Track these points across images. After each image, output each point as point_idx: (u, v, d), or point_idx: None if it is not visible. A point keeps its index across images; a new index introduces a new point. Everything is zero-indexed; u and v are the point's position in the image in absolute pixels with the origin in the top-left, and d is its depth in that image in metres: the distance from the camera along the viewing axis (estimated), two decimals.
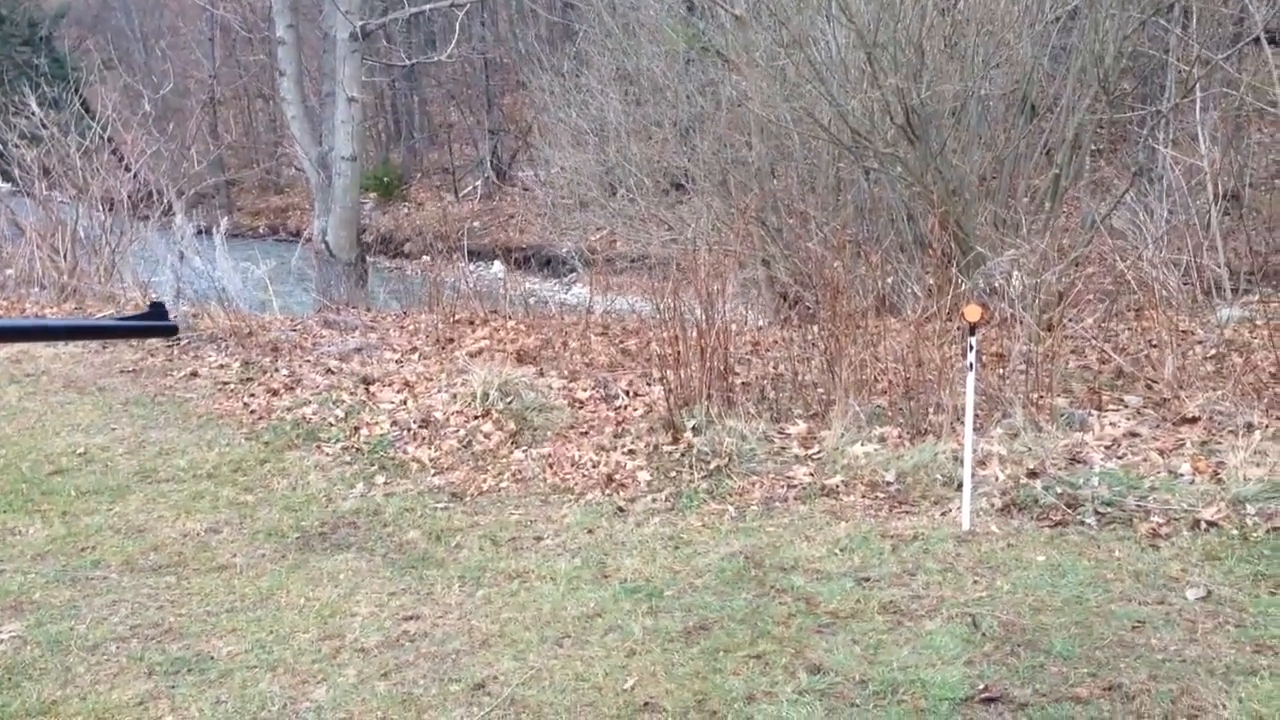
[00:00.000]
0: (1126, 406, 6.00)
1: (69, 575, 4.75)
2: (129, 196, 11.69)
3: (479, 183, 27.96)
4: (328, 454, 6.29)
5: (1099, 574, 4.29)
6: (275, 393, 7.34)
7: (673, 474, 5.65)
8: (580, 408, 6.70)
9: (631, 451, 5.93)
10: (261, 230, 28.24)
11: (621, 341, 8.55)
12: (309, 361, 8.03)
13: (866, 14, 8.61)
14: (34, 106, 12.12)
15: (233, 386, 7.64)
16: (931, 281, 6.73)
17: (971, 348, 4.82)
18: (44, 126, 12.03)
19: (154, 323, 1.63)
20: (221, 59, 31.33)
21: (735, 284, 8.73)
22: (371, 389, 7.20)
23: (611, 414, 6.54)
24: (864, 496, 5.26)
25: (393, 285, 16.21)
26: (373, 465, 6.09)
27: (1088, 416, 5.79)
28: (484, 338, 8.69)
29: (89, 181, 11.55)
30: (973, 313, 4.75)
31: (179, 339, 8.81)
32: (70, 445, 6.52)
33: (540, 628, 4.13)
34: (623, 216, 13.54)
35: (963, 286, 6.85)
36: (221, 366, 8.11)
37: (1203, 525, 4.61)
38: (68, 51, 29.51)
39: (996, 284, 7.08)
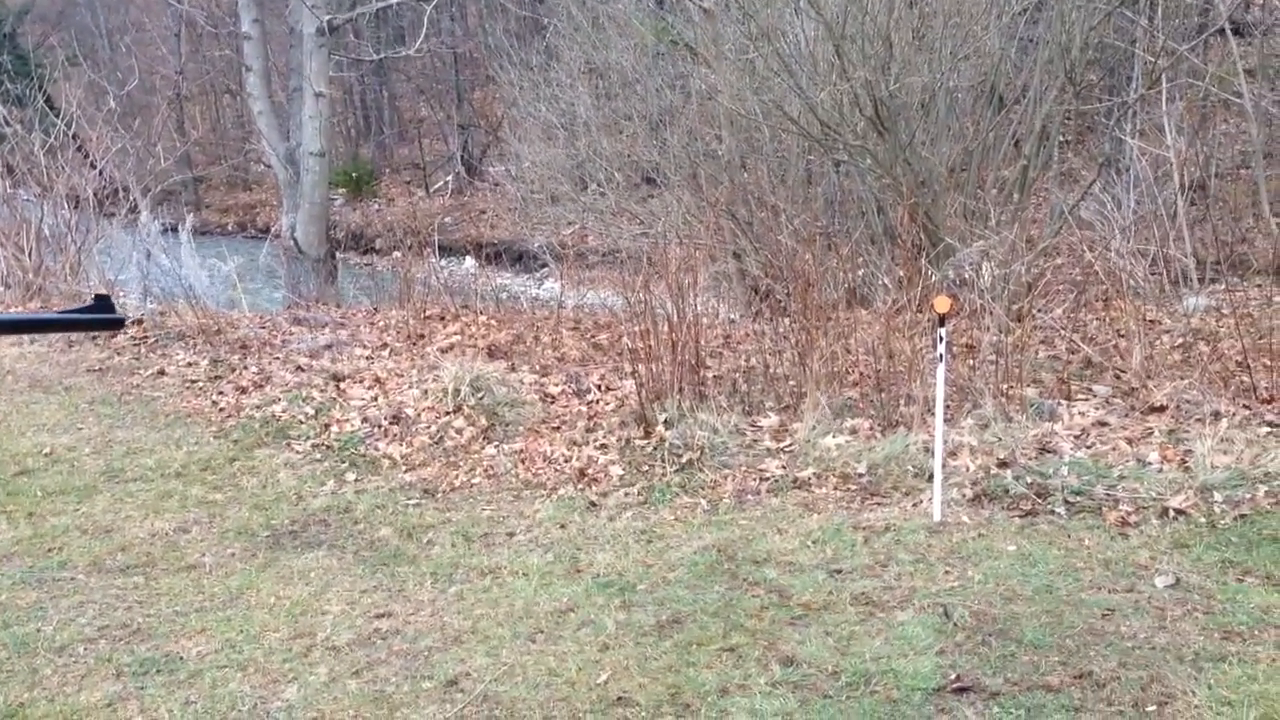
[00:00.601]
0: (1095, 396, 6.04)
1: (35, 576, 4.70)
2: (95, 194, 11.56)
3: (450, 178, 27.83)
4: (298, 451, 6.25)
5: (1069, 563, 4.31)
6: (244, 390, 7.28)
7: (645, 468, 5.64)
8: (552, 403, 6.68)
9: (603, 446, 5.92)
10: (230, 227, 27.99)
11: (593, 336, 8.54)
12: (278, 359, 7.98)
13: (834, 7, 8.62)
14: None
15: (201, 384, 7.57)
16: (901, 273, 6.75)
17: (941, 339, 4.84)
18: (7, 124, 11.90)
19: (99, 315, 1.57)
20: (187, 55, 31.02)
21: (706, 277, 8.73)
22: (342, 386, 7.16)
23: (583, 409, 6.53)
24: (836, 489, 5.27)
25: (363, 281, 16.15)
26: (343, 462, 6.06)
27: (1057, 406, 5.82)
28: (455, 333, 8.65)
29: (54, 179, 11.42)
30: (942, 304, 4.77)
31: (146, 337, 8.73)
32: (36, 445, 6.45)
33: (513, 623, 4.12)
34: (594, 211, 13.51)
35: (932, 278, 6.88)
36: (189, 364, 8.04)
37: (1171, 513, 4.64)
38: (31, 48, 29.15)
39: (966, 275, 7.11)
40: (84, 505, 5.56)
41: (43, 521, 5.34)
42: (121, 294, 10.24)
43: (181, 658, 3.97)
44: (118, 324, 1.59)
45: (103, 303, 1.56)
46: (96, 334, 8.39)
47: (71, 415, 7.02)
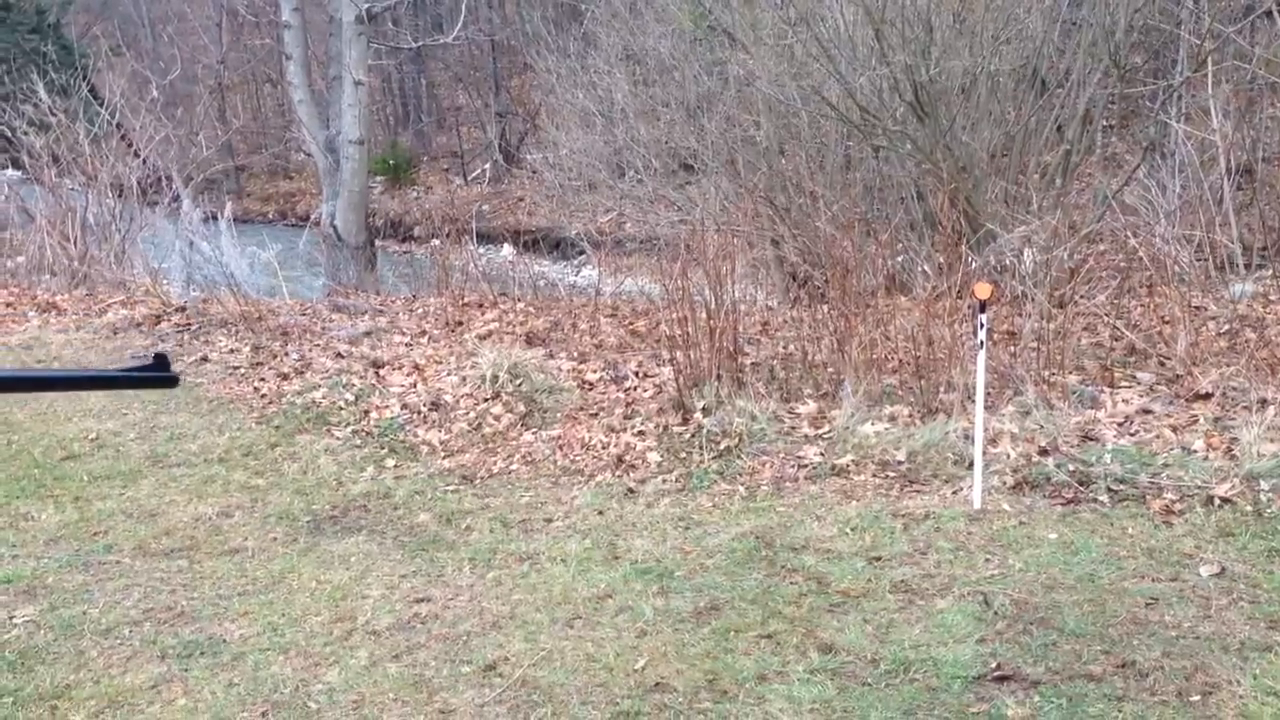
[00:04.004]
0: (1139, 383, 5.97)
1: (81, 560, 4.76)
2: (138, 183, 11.70)
3: (487, 166, 27.92)
4: (338, 438, 6.29)
5: (1112, 551, 4.27)
6: (285, 377, 7.34)
7: (683, 455, 5.64)
8: (590, 389, 6.69)
9: (641, 433, 5.92)
10: (271, 215, 28.25)
11: (631, 323, 8.53)
12: (319, 345, 8.04)
13: None
14: (42, 94, 12.13)
15: (243, 371, 7.65)
16: (941, 259, 6.69)
17: (982, 325, 4.79)
18: (52, 113, 12.03)
19: (156, 374, 1.68)
20: (229, 44, 31.31)
21: (744, 264, 8.71)
22: (381, 372, 7.21)
23: (621, 395, 6.53)
24: (875, 476, 5.24)
25: (402, 269, 16.23)
26: (383, 448, 6.10)
27: (1100, 394, 5.76)
28: (493, 320, 8.68)
29: (98, 168, 11.57)
30: (983, 290, 4.72)
31: (189, 324, 8.83)
32: (82, 431, 6.54)
33: (551, 609, 4.13)
34: (631, 198, 13.52)
35: (973, 264, 6.82)
36: (232, 351, 8.12)
37: (1216, 502, 4.58)
38: (75, 38, 29.49)
39: (1007, 261, 7.04)
40: (129, 490, 5.63)
41: (89, 506, 5.41)
42: (165, 281, 10.36)
43: (225, 640, 4.01)
44: (173, 382, 1.72)
45: (161, 361, 1.69)
46: (140, 332, 8.49)
47: (116, 401, 7.11)
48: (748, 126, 11.52)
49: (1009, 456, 5.13)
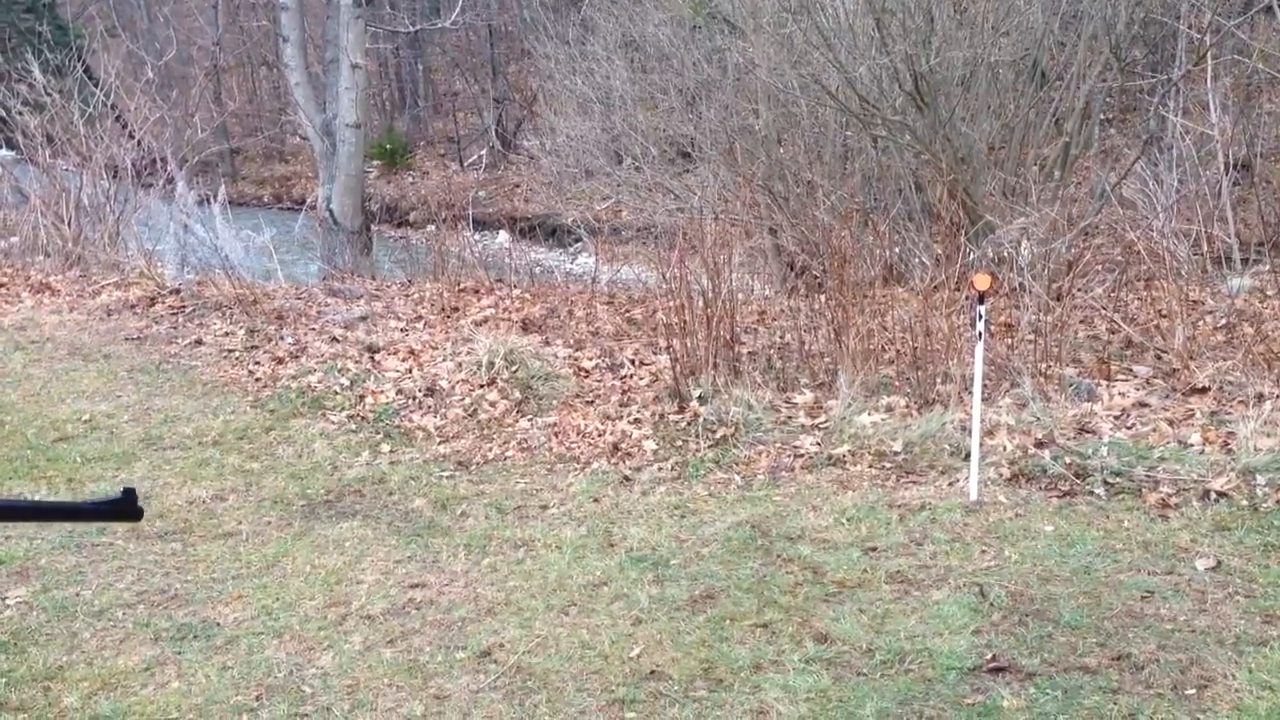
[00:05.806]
0: (1136, 376, 5.97)
1: (75, 541, 4.74)
2: (133, 164, 11.63)
3: (484, 152, 27.81)
4: (333, 422, 6.27)
5: (1108, 544, 4.27)
6: (280, 361, 7.32)
7: (679, 443, 5.63)
8: (586, 377, 6.68)
9: (637, 420, 5.91)
10: (266, 199, 28.09)
11: (627, 311, 8.52)
12: (314, 330, 8.01)
13: None
14: (37, 73, 12.04)
15: (238, 354, 7.62)
16: (940, 250, 6.69)
17: (980, 317, 4.79)
18: (47, 93, 11.95)
19: (121, 508, 1.72)
20: (225, 25, 31.10)
21: (741, 253, 8.68)
22: (376, 357, 7.19)
23: (617, 383, 6.52)
24: (871, 466, 5.24)
25: (398, 254, 16.17)
26: (378, 433, 6.08)
27: (1096, 386, 5.76)
28: (489, 307, 8.66)
29: (93, 149, 11.49)
30: (981, 281, 4.71)
31: (184, 306, 8.80)
32: (75, 412, 6.51)
33: (546, 596, 4.12)
34: (628, 186, 13.48)
35: (971, 255, 6.81)
36: (226, 334, 8.09)
37: (1212, 496, 4.58)
38: (71, 18, 29.31)
39: (1005, 253, 7.04)
40: (122, 472, 5.61)
41: (81, 487, 5.39)
42: (159, 264, 10.31)
43: (218, 624, 4.00)
44: (138, 516, 1.74)
45: (128, 495, 1.72)
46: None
47: (110, 383, 7.08)
48: (746, 115, 11.49)
49: (1005, 448, 5.13)
